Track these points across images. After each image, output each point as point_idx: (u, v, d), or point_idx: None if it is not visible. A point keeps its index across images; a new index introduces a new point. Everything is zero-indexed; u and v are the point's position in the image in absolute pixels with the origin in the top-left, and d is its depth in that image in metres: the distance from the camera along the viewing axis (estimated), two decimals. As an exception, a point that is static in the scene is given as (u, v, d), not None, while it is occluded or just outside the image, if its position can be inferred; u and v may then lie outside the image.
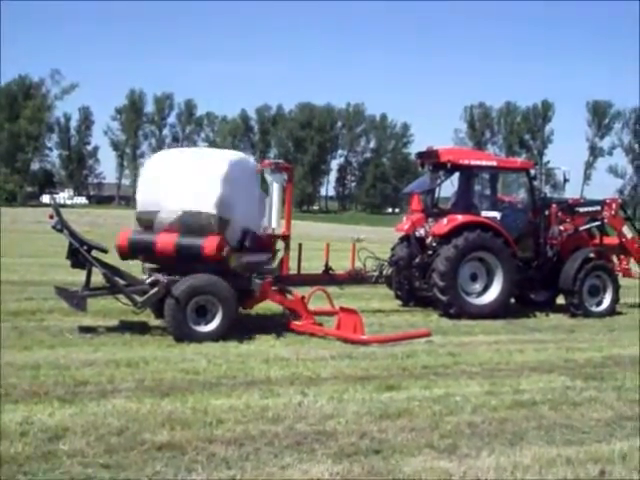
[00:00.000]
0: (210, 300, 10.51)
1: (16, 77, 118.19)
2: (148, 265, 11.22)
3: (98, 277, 10.94)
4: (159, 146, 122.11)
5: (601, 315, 14.57)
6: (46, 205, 65.25)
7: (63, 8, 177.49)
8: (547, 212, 15.05)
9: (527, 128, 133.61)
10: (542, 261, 14.89)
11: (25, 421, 6.31)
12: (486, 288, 14.15)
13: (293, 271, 13.02)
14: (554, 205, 15.31)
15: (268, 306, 12.29)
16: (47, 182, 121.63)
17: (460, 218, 14.13)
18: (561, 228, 15.05)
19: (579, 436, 6.71)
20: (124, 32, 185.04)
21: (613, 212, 15.53)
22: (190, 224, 10.76)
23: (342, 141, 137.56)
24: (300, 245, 13.03)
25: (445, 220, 14.26)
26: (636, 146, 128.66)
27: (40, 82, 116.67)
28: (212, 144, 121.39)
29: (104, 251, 10.91)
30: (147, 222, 11.15)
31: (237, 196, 11.01)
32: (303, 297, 11.75)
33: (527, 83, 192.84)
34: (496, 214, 14.67)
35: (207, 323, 10.51)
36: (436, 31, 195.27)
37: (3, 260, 21.36)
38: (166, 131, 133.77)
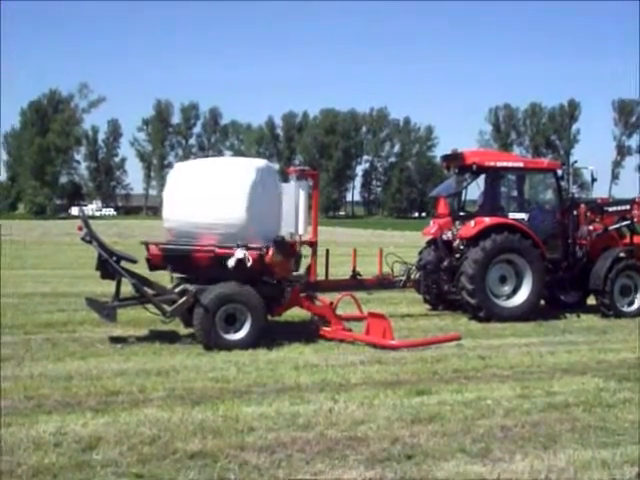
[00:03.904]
0: (239, 308, 10.52)
1: (46, 92, 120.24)
2: (177, 274, 11.28)
3: (127, 287, 11.03)
4: (186, 156, 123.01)
5: (633, 315, 14.37)
6: (75, 217, 65.90)
7: (88, 21, 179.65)
8: (575, 212, 14.90)
9: (553, 128, 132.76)
10: (571, 262, 14.74)
11: (59, 431, 6.37)
12: (515, 290, 14.03)
13: (321, 277, 13.02)
14: (582, 205, 15.17)
15: (296, 313, 12.30)
16: (76, 194, 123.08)
17: (487, 220, 14.03)
18: (590, 228, 14.89)
19: (614, 438, 6.62)
20: (149, 43, 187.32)
21: (643, 211, 15.30)
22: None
23: (367, 146, 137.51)
24: (327, 251, 13.02)
25: (472, 223, 14.17)
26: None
27: (69, 96, 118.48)
28: (237, 152, 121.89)
29: (133, 261, 10.98)
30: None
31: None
32: (331, 303, 11.75)
33: (552, 83, 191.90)
34: (523, 216, 14.57)
35: (236, 331, 10.52)
36: (459, 32, 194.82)
37: (35, 272, 21.66)
38: (192, 141, 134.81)
